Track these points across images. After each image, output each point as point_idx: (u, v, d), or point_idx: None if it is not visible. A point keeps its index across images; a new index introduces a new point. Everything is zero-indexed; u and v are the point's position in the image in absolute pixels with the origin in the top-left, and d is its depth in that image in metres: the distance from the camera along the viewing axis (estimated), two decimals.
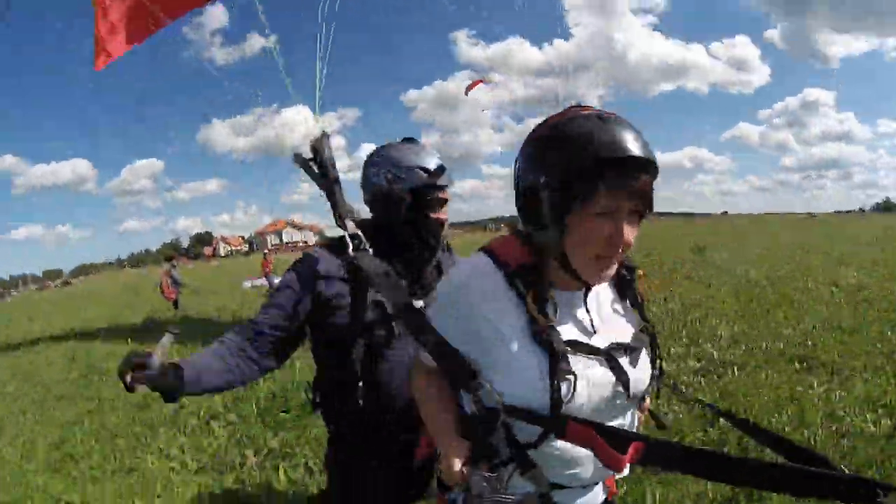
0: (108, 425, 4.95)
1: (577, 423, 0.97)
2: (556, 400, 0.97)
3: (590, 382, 1.02)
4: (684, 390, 1.30)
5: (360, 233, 1.54)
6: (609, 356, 1.04)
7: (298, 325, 1.55)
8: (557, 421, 0.98)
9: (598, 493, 1.16)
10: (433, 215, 1.60)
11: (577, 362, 1.00)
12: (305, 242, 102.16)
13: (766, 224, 31.26)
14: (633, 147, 0.92)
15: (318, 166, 1.64)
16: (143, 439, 4.46)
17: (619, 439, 0.93)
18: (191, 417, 4.77)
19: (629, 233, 0.98)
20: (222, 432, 4.38)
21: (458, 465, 1.04)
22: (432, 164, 1.59)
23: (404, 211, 1.59)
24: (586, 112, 0.99)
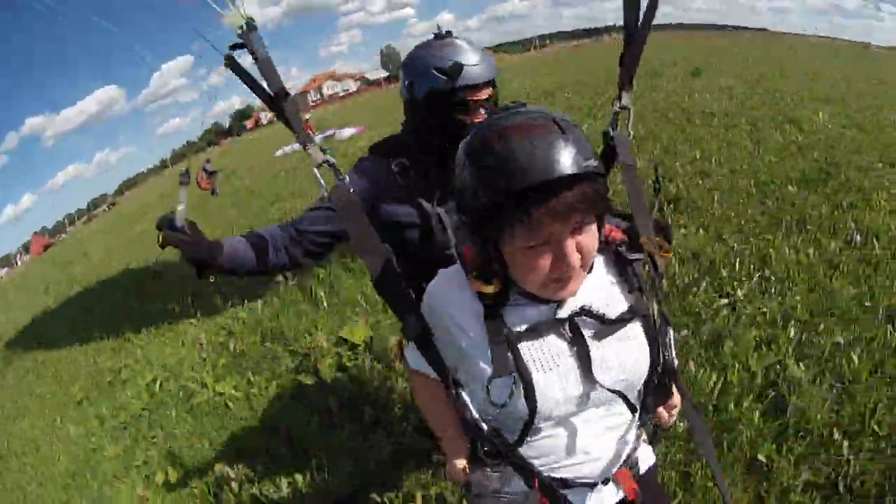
0: None
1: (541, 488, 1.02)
2: (528, 397, 0.96)
3: (546, 368, 0.98)
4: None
5: (329, 159, 1.25)
6: (572, 324, 0.99)
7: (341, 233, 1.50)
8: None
9: (611, 492, 1.10)
10: (462, 117, 1.47)
11: (534, 351, 0.99)
12: (346, 91, 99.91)
13: (810, 48, 26.45)
14: (541, 170, 0.81)
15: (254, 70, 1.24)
16: None
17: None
18: None
19: (582, 245, 0.89)
20: None
21: (460, 464, 1.08)
22: (463, 59, 1.45)
23: (424, 119, 1.53)
24: (492, 132, 0.87)
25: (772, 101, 9.58)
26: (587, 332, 1.00)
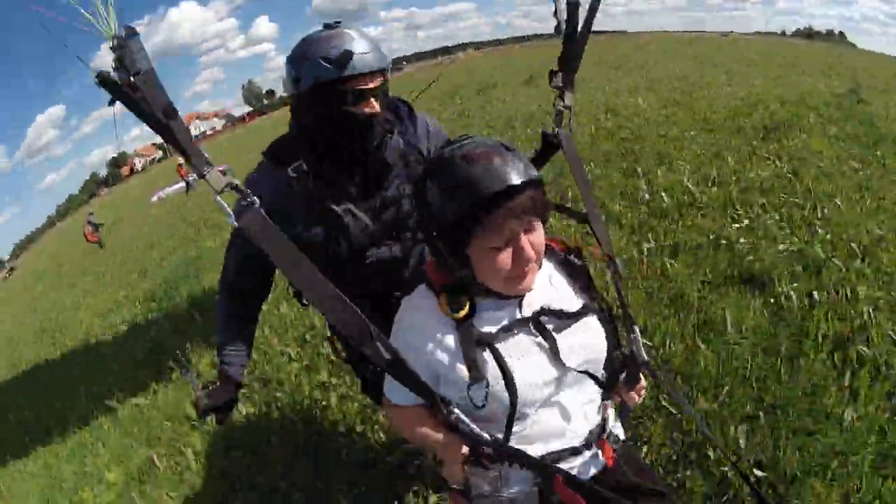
0: None
1: (567, 486, 1.06)
2: (510, 390, 1.07)
3: (522, 359, 1.11)
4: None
5: (232, 182, 1.03)
6: (537, 322, 1.14)
7: (264, 264, 1.51)
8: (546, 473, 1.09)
9: (593, 456, 1.21)
10: (352, 108, 1.38)
11: (508, 347, 1.11)
12: (213, 129, 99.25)
13: (663, 44, 27.75)
14: (498, 180, 0.99)
15: (131, 89, 0.97)
16: None
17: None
18: None
19: (534, 243, 1.07)
20: None
21: (457, 465, 1.11)
22: (352, 48, 1.33)
23: (313, 113, 1.42)
24: (455, 154, 1.04)
25: (596, 94, 10.57)
26: (550, 326, 1.14)
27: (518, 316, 1.15)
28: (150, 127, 0.99)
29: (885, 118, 6.68)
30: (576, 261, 1.25)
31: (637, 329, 1.27)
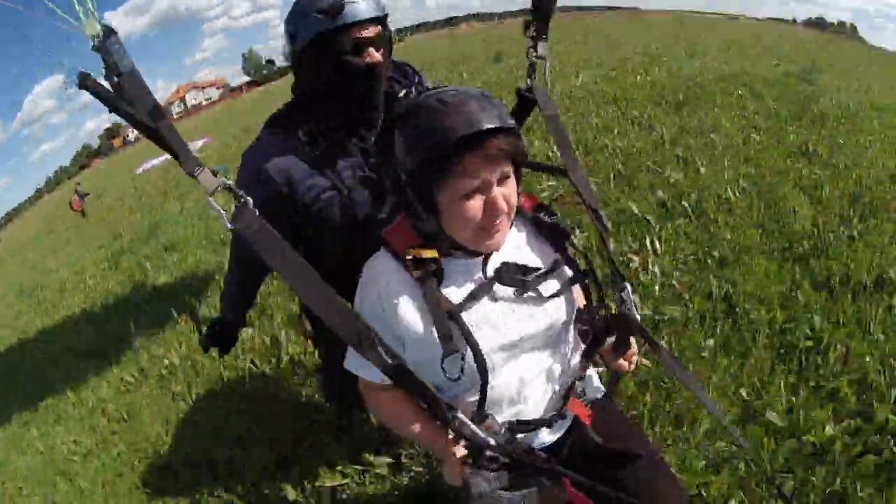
0: None
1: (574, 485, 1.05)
2: (478, 360, 1.03)
3: (488, 321, 1.09)
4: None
5: (224, 182, 0.99)
6: (498, 279, 1.10)
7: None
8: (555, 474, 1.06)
9: (564, 424, 1.23)
10: (351, 59, 1.34)
11: (471, 315, 1.07)
12: (209, 100, 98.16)
13: (667, 24, 27.28)
14: (472, 123, 0.95)
15: (118, 91, 0.99)
16: None
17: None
18: None
19: (507, 195, 1.04)
20: None
21: (456, 466, 1.07)
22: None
23: (313, 69, 1.38)
24: (429, 99, 1.02)
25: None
26: (511, 289, 1.11)
27: (482, 277, 1.12)
28: (138, 130, 1.01)
29: (828, 101, 6.73)
30: (546, 218, 1.20)
31: (629, 287, 1.17)
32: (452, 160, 0.98)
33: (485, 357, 1.04)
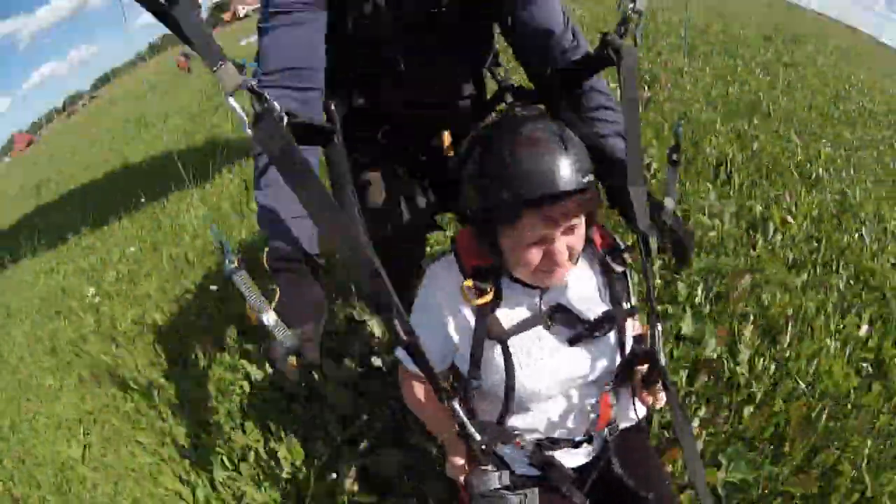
0: None
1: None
2: (508, 384, 1.06)
3: (532, 355, 1.09)
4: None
5: (247, 82, 0.78)
6: (550, 319, 1.09)
7: None
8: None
9: (589, 449, 1.21)
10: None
11: (522, 341, 1.08)
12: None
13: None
14: (541, 185, 0.91)
15: None
16: None
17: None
18: None
19: (571, 244, 1.01)
20: None
21: (459, 463, 1.11)
22: None
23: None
24: (504, 133, 0.97)
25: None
26: (565, 332, 1.10)
27: (537, 309, 1.12)
28: (151, 12, 0.78)
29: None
30: (615, 266, 1.14)
31: (660, 327, 1.08)
32: (521, 214, 0.95)
33: (534, 384, 1.08)
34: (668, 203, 1.12)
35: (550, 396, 1.12)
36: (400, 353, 1.18)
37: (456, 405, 1.01)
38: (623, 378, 1.16)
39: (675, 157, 1.13)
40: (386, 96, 1.43)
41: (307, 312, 0.89)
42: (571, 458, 1.18)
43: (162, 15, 0.77)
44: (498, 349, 1.07)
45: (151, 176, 6.91)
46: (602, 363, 1.13)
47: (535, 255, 1.00)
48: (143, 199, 5.74)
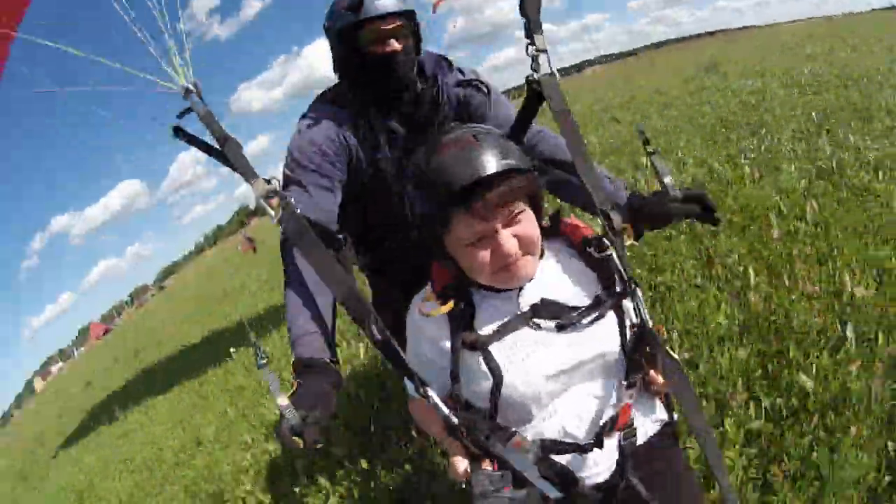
0: None
1: None
2: (497, 390, 1.04)
3: (520, 358, 1.05)
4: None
5: (274, 187, 1.19)
6: (535, 316, 1.07)
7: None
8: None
9: (606, 455, 1.08)
10: (374, 48, 1.50)
11: (506, 346, 1.06)
12: None
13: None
14: (468, 174, 0.94)
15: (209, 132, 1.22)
16: None
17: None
18: None
19: (520, 233, 1.00)
20: None
21: (461, 464, 1.05)
22: None
23: (343, 60, 1.58)
24: (433, 146, 1.02)
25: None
26: (550, 323, 1.06)
27: (517, 311, 1.08)
28: (209, 154, 1.21)
29: None
30: (595, 253, 1.12)
31: (639, 292, 1.09)
32: (446, 215, 0.98)
33: (527, 387, 1.05)
34: (668, 180, 1.28)
35: (552, 396, 1.08)
36: (408, 385, 1.16)
37: (433, 395, 1.04)
38: (634, 368, 1.10)
39: (650, 149, 1.29)
40: (391, 250, 1.80)
41: (314, 402, 1.09)
42: (588, 471, 1.08)
43: (216, 152, 1.21)
44: (479, 358, 1.06)
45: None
46: (597, 347, 1.08)
47: (483, 254, 1.01)
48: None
